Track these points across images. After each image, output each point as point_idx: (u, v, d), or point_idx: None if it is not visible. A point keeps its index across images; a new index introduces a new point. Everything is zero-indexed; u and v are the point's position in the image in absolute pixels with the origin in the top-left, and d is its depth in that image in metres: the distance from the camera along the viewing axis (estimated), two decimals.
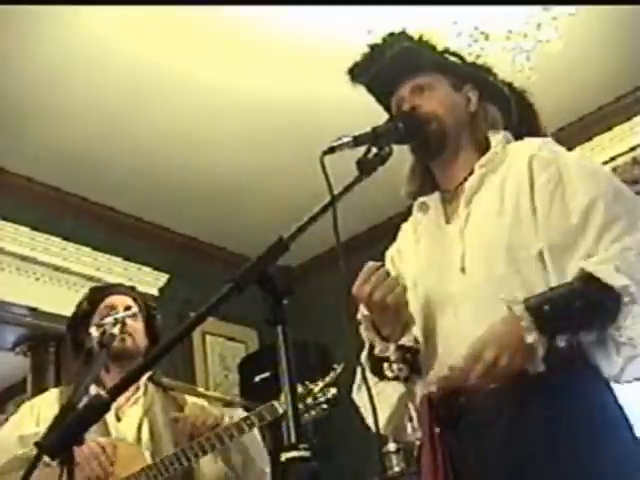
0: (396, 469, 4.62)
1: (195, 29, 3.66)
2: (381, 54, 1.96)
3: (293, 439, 1.27)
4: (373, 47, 1.98)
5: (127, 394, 2.67)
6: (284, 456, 1.26)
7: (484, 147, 1.89)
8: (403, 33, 1.97)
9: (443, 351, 1.77)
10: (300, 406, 2.52)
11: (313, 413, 2.57)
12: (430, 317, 1.83)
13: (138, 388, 2.70)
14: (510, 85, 1.98)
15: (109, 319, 2.55)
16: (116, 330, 2.52)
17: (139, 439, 2.57)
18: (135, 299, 2.80)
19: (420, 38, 1.96)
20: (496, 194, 1.80)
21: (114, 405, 2.61)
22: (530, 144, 1.84)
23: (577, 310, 1.57)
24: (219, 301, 1.35)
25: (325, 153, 1.68)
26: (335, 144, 1.70)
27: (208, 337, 5.13)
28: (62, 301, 4.34)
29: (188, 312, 4.07)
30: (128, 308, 2.72)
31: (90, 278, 4.49)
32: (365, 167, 1.66)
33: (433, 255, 1.89)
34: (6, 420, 2.74)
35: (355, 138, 1.72)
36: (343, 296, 1.61)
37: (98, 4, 3.43)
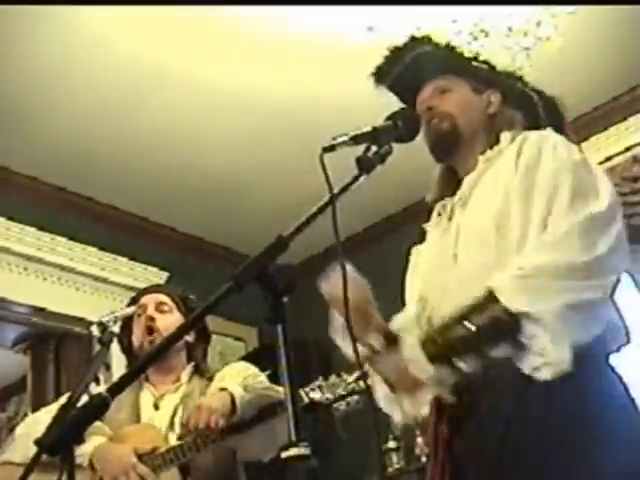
0: (396, 467, 4.63)
1: (195, 28, 3.66)
2: (403, 57, 2.00)
3: (293, 437, 1.27)
4: (395, 50, 2.00)
5: (168, 385, 2.71)
6: (284, 454, 1.26)
7: (494, 145, 1.90)
8: (427, 37, 2.00)
9: None
10: (330, 396, 2.54)
11: (347, 404, 2.56)
12: (434, 316, 1.83)
13: (179, 379, 2.73)
14: (540, 92, 1.99)
15: (108, 317, 2.57)
16: (116, 328, 2.53)
17: (172, 425, 2.60)
18: (169, 295, 2.84)
19: (447, 45, 2.00)
20: (490, 184, 1.81)
21: (154, 395, 2.67)
22: (524, 133, 1.84)
23: (470, 332, 1.58)
24: (219, 299, 1.35)
25: (325, 151, 1.67)
26: (335, 142, 1.70)
27: None
28: (64, 300, 4.36)
29: None
30: (160, 304, 2.79)
31: (95, 278, 4.50)
32: (364, 165, 1.66)
33: (433, 257, 1.91)
34: (7, 419, 2.77)
35: (355, 136, 1.72)
36: (343, 295, 1.60)
37: (98, 4, 3.43)
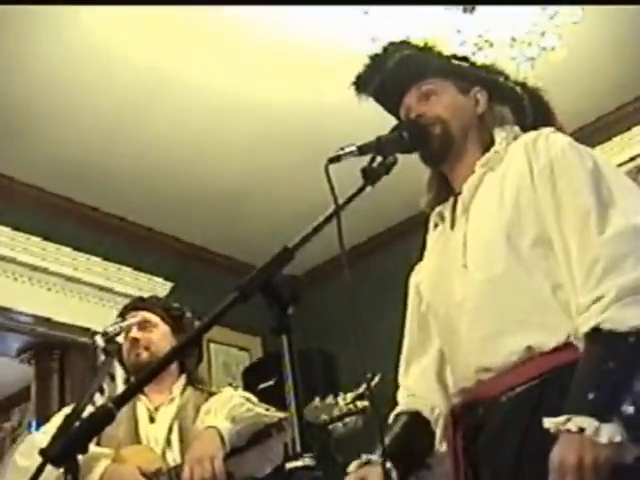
0: None
1: (197, 36, 3.67)
2: (383, 64, 1.95)
3: (297, 448, 1.26)
4: (374, 57, 1.98)
5: (161, 397, 2.72)
6: (288, 465, 1.25)
7: (489, 146, 1.87)
8: (405, 41, 1.97)
9: (456, 361, 1.77)
10: (326, 417, 2.53)
11: (344, 425, 2.55)
12: (444, 328, 1.83)
13: (172, 391, 2.75)
14: (523, 84, 1.96)
15: (113, 327, 2.58)
16: (121, 338, 2.54)
17: (169, 441, 2.61)
18: (151, 310, 2.85)
19: (425, 45, 1.96)
20: (495, 191, 1.77)
21: (149, 407, 2.68)
22: (526, 136, 1.82)
23: (615, 373, 1.47)
24: (224, 309, 1.35)
25: (330, 161, 1.67)
26: (340, 153, 1.70)
27: (212, 345, 5.12)
28: (68, 309, 4.36)
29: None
30: (143, 322, 2.79)
31: (100, 288, 4.51)
32: (370, 176, 1.66)
33: (439, 266, 1.89)
34: (11, 428, 2.77)
35: (360, 147, 1.72)
36: (348, 304, 1.60)
37: (98, 4, 3.42)
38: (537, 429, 1.54)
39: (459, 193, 1.88)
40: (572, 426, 1.42)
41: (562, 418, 1.44)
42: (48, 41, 3.59)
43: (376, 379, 2.51)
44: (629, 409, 1.42)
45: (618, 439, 1.40)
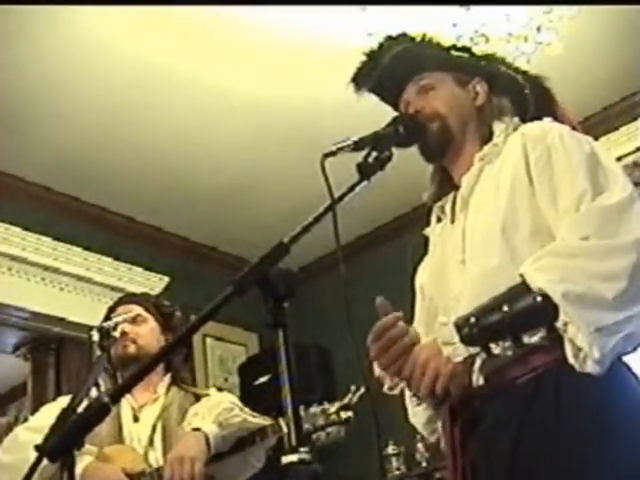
0: (396, 472, 4.63)
1: (196, 31, 3.66)
2: (380, 59, 1.95)
3: (294, 442, 1.26)
4: (371, 53, 1.97)
5: (146, 396, 2.72)
6: (284, 459, 1.25)
7: (487, 139, 1.87)
8: (403, 35, 1.97)
9: None
10: (309, 426, 2.54)
11: (327, 435, 2.56)
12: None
13: (156, 390, 2.74)
14: (525, 73, 1.95)
15: (109, 323, 2.58)
16: (117, 333, 2.54)
17: (152, 441, 2.61)
18: (142, 305, 2.84)
19: (423, 38, 1.95)
20: (492, 183, 1.77)
21: (133, 406, 2.68)
22: (523, 127, 1.81)
23: (506, 315, 1.52)
24: (220, 304, 1.35)
25: (326, 156, 1.67)
26: (336, 147, 1.70)
27: (208, 340, 5.13)
28: (62, 305, 4.35)
29: (189, 315, 4.09)
30: (134, 316, 2.78)
31: (97, 283, 4.52)
32: (365, 171, 1.66)
33: (440, 262, 1.88)
34: (7, 424, 2.76)
35: (355, 142, 1.72)
36: (343, 299, 1.60)
37: (97, 4, 3.42)
38: (532, 423, 1.54)
39: (459, 187, 1.87)
40: (446, 332, 1.60)
41: (451, 324, 1.59)
42: (46, 40, 3.58)
43: (360, 392, 2.52)
44: (496, 350, 1.55)
45: (457, 359, 1.57)
